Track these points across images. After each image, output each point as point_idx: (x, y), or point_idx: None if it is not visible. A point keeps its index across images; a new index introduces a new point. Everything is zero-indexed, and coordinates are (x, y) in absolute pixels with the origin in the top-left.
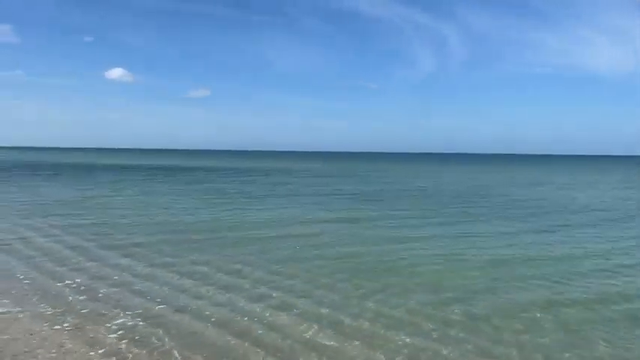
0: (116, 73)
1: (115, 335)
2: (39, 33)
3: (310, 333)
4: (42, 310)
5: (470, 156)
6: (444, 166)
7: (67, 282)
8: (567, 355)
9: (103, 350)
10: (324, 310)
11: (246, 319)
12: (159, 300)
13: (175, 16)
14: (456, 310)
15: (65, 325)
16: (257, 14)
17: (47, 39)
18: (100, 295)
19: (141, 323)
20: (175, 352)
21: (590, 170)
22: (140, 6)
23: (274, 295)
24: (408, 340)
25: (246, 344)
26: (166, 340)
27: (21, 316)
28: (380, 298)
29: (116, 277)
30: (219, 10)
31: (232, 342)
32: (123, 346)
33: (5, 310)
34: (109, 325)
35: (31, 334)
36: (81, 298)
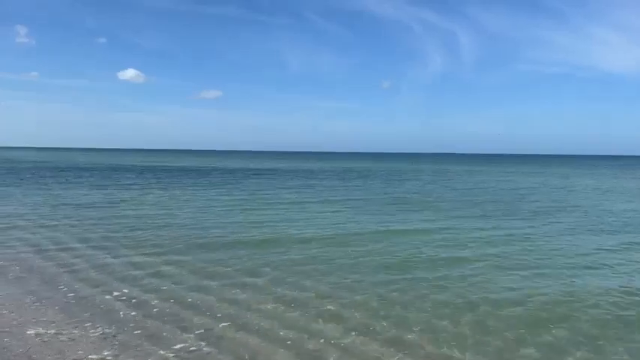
0: (129, 74)
1: None
2: (54, 35)
3: None
4: (96, 331)
5: (486, 156)
6: (468, 166)
7: (115, 294)
8: None
9: None
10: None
11: (322, 341)
12: (219, 316)
13: (187, 18)
14: None
15: (123, 348)
16: (268, 15)
17: (61, 40)
18: (155, 311)
19: (205, 347)
20: None
21: (617, 171)
22: (152, 7)
23: (352, 315)
24: None
25: None
26: None
27: (74, 336)
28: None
29: (165, 288)
30: (231, 11)
31: None
32: None
33: (56, 329)
34: (170, 347)
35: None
36: (133, 313)
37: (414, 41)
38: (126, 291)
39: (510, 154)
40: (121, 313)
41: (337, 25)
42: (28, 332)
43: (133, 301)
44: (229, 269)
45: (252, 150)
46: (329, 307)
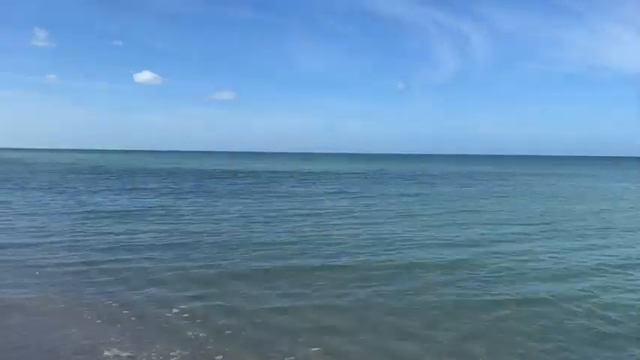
0: (145, 76)
1: None
2: (72, 38)
3: None
4: (175, 353)
5: (503, 157)
6: (500, 168)
7: (177, 311)
8: None
9: None
10: None
11: None
12: (301, 341)
13: (201, 20)
14: None
15: None
16: (281, 17)
17: (80, 44)
18: (228, 333)
19: None
20: None
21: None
22: (166, 10)
23: None
24: None
25: None
26: None
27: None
28: None
29: (236, 305)
30: (245, 13)
31: None
32: None
33: (130, 351)
34: None
35: None
36: (202, 335)
37: (427, 42)
38: (190, 308)
39: (528, 155)
40: (189, 333)
41: (350, 26)
42: (106, 354)
43: (198, 321)
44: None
45: (270, 151)
46: None
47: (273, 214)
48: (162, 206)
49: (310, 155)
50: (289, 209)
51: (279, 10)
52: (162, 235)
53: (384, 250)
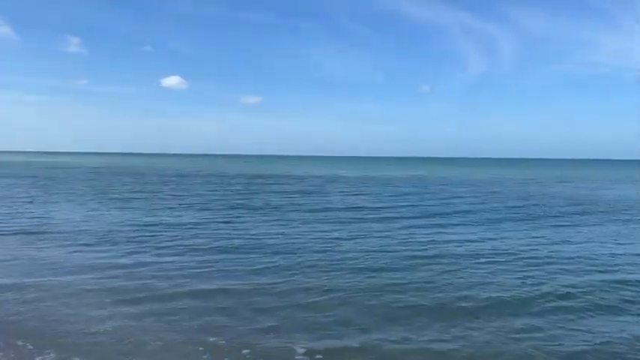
0: (172, 80)
1: None
2: (104, 44)
3: None
4: None
5: (533, 161)
6: (537, 170)
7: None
8: None
9: None
10: None
11: None
12: None
13: (227, 25)
14: None
15: None
16: (306, 21)
17: (110, 49)
18: None
19: None
20: None
21: None
22: (194, 16)
23: None
24: None
25: None
26: None
27: None
28: None
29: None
30: (270, 18)
31: None
32: None
33: None
34: None
35: None
36: None
37: (453, 44)
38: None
39: (557, 159)
40: None
41: (374, 29)
42: None
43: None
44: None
45: (298, 155)
46: None
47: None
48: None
49: (338, 159)
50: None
51: (303, 15)
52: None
53: None
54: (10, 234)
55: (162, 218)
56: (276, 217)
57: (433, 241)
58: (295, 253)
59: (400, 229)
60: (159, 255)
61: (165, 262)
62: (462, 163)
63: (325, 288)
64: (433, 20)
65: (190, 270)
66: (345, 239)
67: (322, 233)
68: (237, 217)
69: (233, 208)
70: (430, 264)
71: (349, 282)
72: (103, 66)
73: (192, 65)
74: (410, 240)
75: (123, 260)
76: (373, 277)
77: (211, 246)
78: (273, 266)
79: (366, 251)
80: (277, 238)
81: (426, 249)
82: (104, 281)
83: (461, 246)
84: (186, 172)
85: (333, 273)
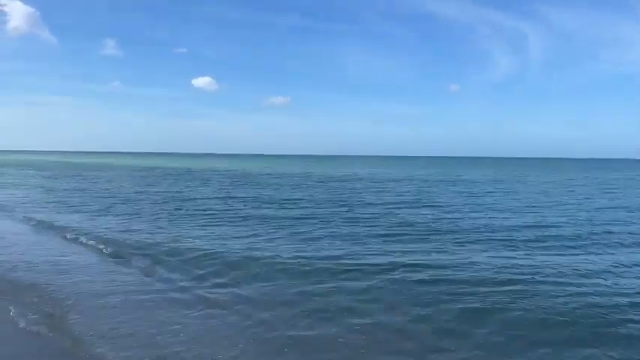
0: (203, 81)
1: None
2: (138, 46)
3: None
4: None
5: (566, 161)
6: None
7: None
8: None
9: None
10: None
11: None
12: None
13: (256, 27)
14: None
15: None
16: (332, 22)
17: (145, 52)
18: None
19: None
20: None
21: None
22: (225, 18)
23: None
24: None
25: None
26: None
27: None
28: None
29: None
30: (298, 19)
31: None
32: None
33: None
34: None
35: None
36: None
37: (481, 43)
38: None
39: (590, 159)
40: None
41: (402, 29)
42: None
43: None
44: None
45: (331, 154)
46: None
47: None
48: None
49: (370, 158)
50: None
51: (330, 16)
52: None
53: None
54: None
55: None
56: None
57: None
58: None
59: None
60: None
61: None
62: (506, 163)
63: None
64: (462, 19)
65: None
66: None
67: None
68: None
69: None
70: None
71: None
72: (137, 68)
73: (222, 66)
74: None
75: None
76: None
77: None
78: None
79: None
80: None
81: None
82: None
83: None
84: (277, 175)
85: None
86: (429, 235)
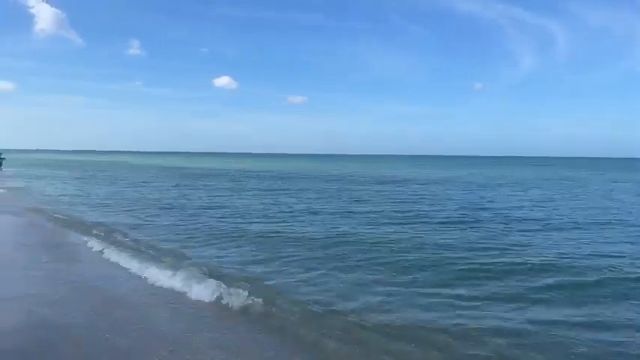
0: (223, 81)
1: None
2: (161, 46)
3: None
4: None
5: (601, 160)
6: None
7: None
8: None
9: None
10: None
11: None
12: None
13: (275, 26)
14: None
15: None
16: (352, 21)
17: (168, 52)
18: None
19: None
20: None
21: None
22: (244, 17)
23: None
24: None
25: None
26: None
27: None
28: None
29: None
30: (317, 19)
31: None
32: None
33: None
34: None
35: None
36: None
37: (505, 40)
38: None
39: (624, 158)
40: None
41: (422, 27)
42: None
43: None
44: None
45: (351, 154)
46: None
47: None
48: None
49: (395, 157)
50: None
51: (350, 15)
52: None
53: None
54: None
55: None
56: None
57: None
58: None
59: None
60: None
61: None
62: (530, 163)
63: None
64: (485, 16)
65: None
66: None
67: None
68: None
69: None
70: None
71: None
72: (159, 68)
73: (241, 65)
74: None
75: None
76: None
77: None
78: None
79: None
80: None
81: None
82: None
83: None
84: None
85: None
86: None
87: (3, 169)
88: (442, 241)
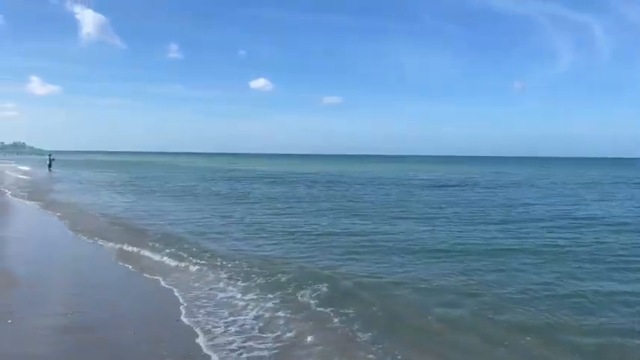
0: (259, 83)
1: None
2: (200, 49)
3: None
4: None
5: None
6: None
7: None
8: None
9: None
10: None
11: None
12: None
13: (311, 28)
14: None
15: None
16: (387, 20)
17: (206, 54)
18: None
19: None
20: None
21: None
22: (279, 19)
23: None
24: None
25: None
26: None
27: None
28: None
29: None
30: (352, 19)
31: None
32: None
33: None
34: None
35: None
36: None
37: (543, 38)
38: None
39: None
40: None
41: (456, 25)
42: None
43: None
44: None
45: (387, 154)
46: None
47: None
48: None
49: (427, 158)
50: None
51: (384, 15)
52: None
53: None
54: None
55: None
56: None
57: None
58: None
59: None
60: None
61: None
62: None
63: None
64: (522, 13)
65: None
66: None
67: None
68: None
69: None
70: None
71: None
72: (198, 71)
73: (277, 67)
74: None
75: None
76: None
77: None
78: None
79: None
80: None
81: None
82: None
83: None
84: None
85: None
86: None
87: (52, 170)
88: None
